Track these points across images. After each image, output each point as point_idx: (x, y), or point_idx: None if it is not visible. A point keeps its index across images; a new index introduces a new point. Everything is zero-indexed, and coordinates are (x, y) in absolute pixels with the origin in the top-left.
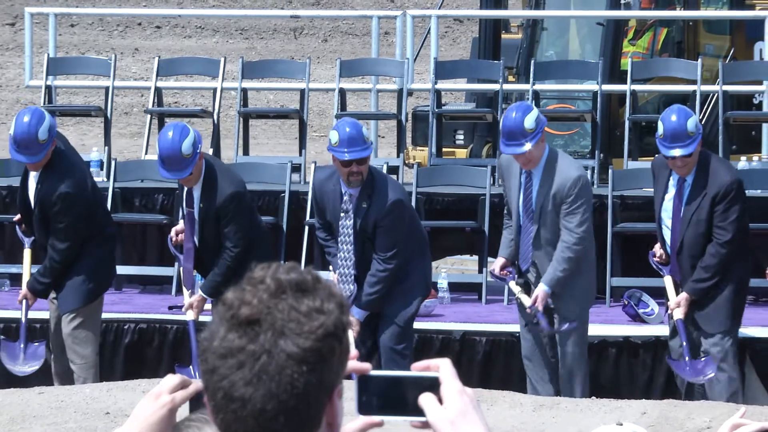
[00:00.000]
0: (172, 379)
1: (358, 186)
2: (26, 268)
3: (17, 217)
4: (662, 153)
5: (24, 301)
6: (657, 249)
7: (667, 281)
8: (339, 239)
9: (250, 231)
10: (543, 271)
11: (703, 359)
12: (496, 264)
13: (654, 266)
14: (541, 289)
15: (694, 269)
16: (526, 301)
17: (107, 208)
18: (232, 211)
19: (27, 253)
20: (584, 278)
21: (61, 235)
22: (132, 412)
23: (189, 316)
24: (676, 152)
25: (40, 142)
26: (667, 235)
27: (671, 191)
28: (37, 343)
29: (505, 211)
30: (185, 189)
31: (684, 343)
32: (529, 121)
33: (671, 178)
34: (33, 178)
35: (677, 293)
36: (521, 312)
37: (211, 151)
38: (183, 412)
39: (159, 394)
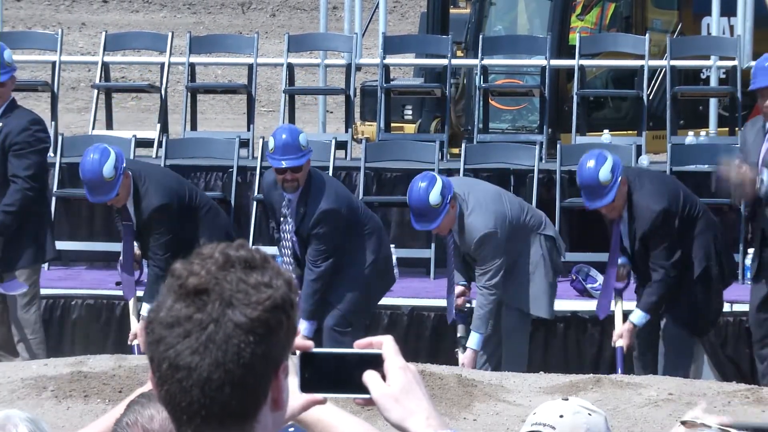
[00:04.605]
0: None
1: (293, 192)
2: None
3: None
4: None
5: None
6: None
7: (617, 309)
8: (280, 243)
9: (180, 234)
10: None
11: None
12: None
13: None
14: (468, 356)
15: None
16: (459, 358)
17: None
18: (156, 221)
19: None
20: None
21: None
22: None
23: (135, 342)
24: (595, 205)
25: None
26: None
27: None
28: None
29: None
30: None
31: (619, 371)
32: (434, 197)
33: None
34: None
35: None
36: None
37: (158, 127)
38: None
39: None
